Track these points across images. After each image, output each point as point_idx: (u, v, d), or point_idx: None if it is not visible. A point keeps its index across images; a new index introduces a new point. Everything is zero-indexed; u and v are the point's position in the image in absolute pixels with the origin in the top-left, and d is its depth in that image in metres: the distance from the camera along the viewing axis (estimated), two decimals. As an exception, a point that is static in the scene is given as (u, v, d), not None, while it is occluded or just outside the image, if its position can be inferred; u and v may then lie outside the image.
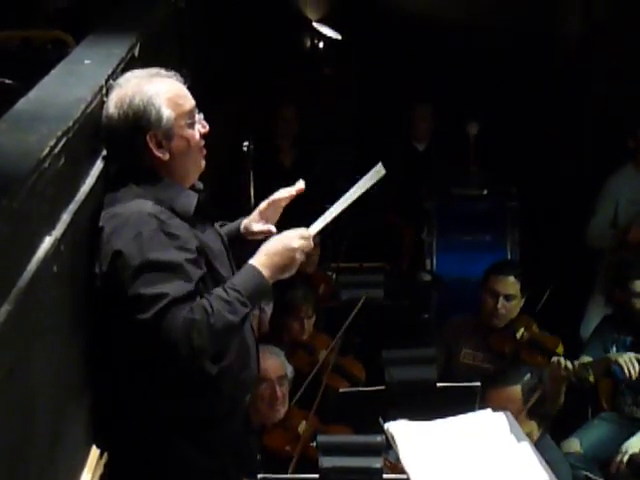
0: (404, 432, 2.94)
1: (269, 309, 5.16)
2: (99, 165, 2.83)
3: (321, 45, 7.76)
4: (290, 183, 3.11)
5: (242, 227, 3.13)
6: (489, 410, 3.10)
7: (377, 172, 3.04)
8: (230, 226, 3.16)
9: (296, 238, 2.86)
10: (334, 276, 5.71)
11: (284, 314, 4.96)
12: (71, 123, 2.44)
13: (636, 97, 6.29)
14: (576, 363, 4.75)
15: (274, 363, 4.19)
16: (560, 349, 4.98)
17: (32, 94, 2.69)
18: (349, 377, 4.80)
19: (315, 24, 7.67)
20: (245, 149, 5.22)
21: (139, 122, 2.78)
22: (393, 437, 2.94)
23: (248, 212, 3.18)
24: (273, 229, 3.05)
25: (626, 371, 4.75)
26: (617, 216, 6.16)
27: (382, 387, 4.08)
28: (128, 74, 2.89)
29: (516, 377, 4.27)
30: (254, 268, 2.80)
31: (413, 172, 6.97)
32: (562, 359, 4.71)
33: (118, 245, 2.66)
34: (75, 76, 2.94)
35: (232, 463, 3.04)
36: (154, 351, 2.66)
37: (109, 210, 2.74)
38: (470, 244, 6.50)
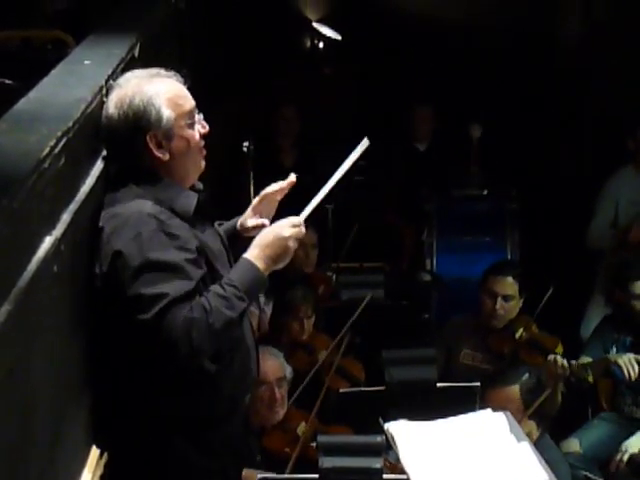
0: (404, 432, 2.94)
1: (269, 309, 5.16)
2: (99, 165, 2.83)
3: (321, 45, 7.76)
4: (290, 183, 3.11)
5: (238, 225, 3.13)
6: (489, 410, 3.10)
7: (362, 146, 3.03)
8: (227, 225, 3.16)
9: (287, 227, 2.86)
10: (334, 276, 5.71)
11: (284, 314, 4.95)
12: (71, 123, 2.45)
13: (636, 97, 6.29)
14: (573, 362, 4.75)
15: (273, 365, 4.18)
16: (559, 349, 4.98)
17: (32, 94, 2.70)
18: (349, 377, 4.79)
19: (315, 24, 7.67)
20: (245, 149, 5.22)
21: (139, 122, 2.78)
22: (393, 437, 2.94)
23: (248, 212, 3.18)
24: (266, 222, 3.05)
25: (626, 372, 4.75)
26: (617, 217, 6.16)
27: (382, 387, 4.08)
28: (128, 74, 2.89)
29: (514, 377, 4.28)
30: (248, 262, 2.81)
31: (413, 172, 6.97)
32: (558, 357, 4.70)
33: (118, 245, 2.66)
34: (75, 76, 2.94)
35: (232, 463, 3.04)
36: (154, 351, 2.66)
37: (109, 210, 2.75)
38: (470, 244, 6.50)
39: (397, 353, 4.15)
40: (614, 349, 5.10)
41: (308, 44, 7.82)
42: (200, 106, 2.92)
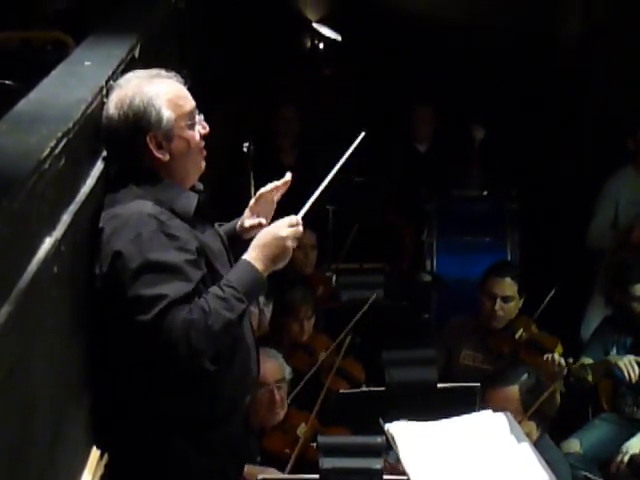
0: (404, 433, 2.94)
1: (268, 310, 5.15)
2: (99, 166, 2.83)
3: (321, 45, 7.76)
4: (291, 183, 3.11)
5: (237, 226, 3.13)
6: (489, 411, 3.10)
7: (358, 139, 3.04)
8: (226, 226, 3.16)
9: (284, 226, 2.86)
10: (334, 277, 5.71)
11: (283, 315, 4.95)
12: (71, 124, 2.45)
13: (636, 97, 6.29)
14: (570, 360, 4.75)
15: (272, 367, 4.17)
16: (559, 349, 4.97)
17: (32, 95, 2.70)
18: (349, 378, 4.79)
19: (315, 24, 7.67)
20: (245, 149, 5.22)
21: (139, 123, 2.78)
22: (393, 438, 2.94)
23: (248, 213, 3.18)
24: (263, 221, 3.05)
25: (626, 374, 4.75)
26: (617, 217, 6.16)
27: (382, 388, 4.08)
28: (128, 75, 2.89)
29: (513, 377, 4.28)
30: (247, 263, 2.81)
31: (414, 173, 6.97)
32: (556, 356, 4.70)
33: (118, 246, 2.66)
34: (75, 77, 2.94)
35: (232, 463, 3.04)
36: (153, 351, 2.66)
37: (109, 211, 2.75)
38: (470, 245, 6.49)
39: (397, 354, 4.14)
40: (614, 350, 5.10)
41: (308, 44, 7.82)
42: (200, 106, 2.92)
